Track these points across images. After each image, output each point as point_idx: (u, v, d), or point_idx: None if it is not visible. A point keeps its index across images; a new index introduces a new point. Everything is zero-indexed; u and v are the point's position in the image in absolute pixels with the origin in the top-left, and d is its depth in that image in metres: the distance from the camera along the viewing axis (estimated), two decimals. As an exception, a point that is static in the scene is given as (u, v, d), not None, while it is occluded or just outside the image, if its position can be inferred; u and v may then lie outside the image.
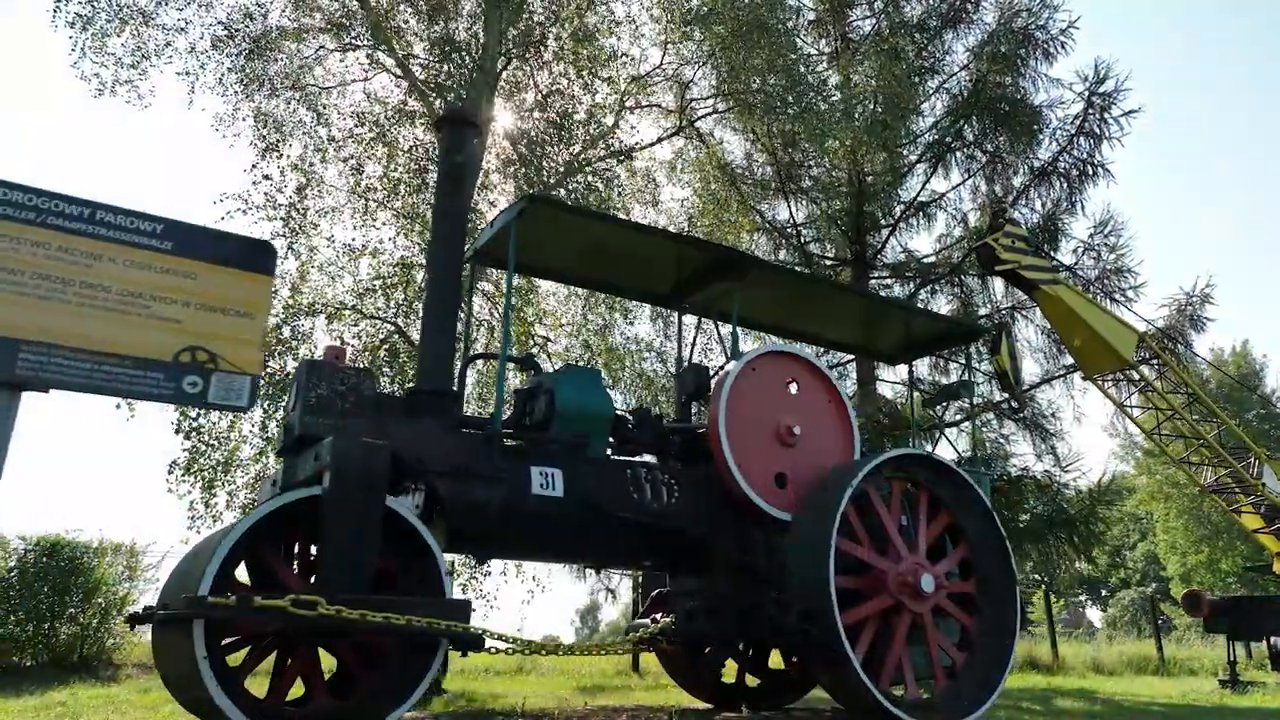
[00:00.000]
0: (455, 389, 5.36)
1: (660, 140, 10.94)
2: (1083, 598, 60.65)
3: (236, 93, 9.73)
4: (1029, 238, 10.10)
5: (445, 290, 5.13)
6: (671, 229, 11.88)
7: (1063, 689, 11.26)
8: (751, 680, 6.54)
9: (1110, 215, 12.42)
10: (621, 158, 10.69)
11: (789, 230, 12.99)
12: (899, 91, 10.61)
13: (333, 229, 9.75)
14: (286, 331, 8.18)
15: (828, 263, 13.23)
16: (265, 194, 9.16)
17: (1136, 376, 10.59)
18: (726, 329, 6.42)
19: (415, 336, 8.83)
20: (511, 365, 7.33)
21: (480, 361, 9.44)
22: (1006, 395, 10.61)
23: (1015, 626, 5.60)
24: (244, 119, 9.73)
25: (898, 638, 5.21)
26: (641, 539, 5.15)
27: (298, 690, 4.35)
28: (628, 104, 10.70)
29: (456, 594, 7.48)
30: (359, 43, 9.91)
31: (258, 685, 4.44)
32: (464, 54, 9.31)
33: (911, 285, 12.99)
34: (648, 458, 5.68)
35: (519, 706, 6.48)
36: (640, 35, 10.77)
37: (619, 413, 5.53)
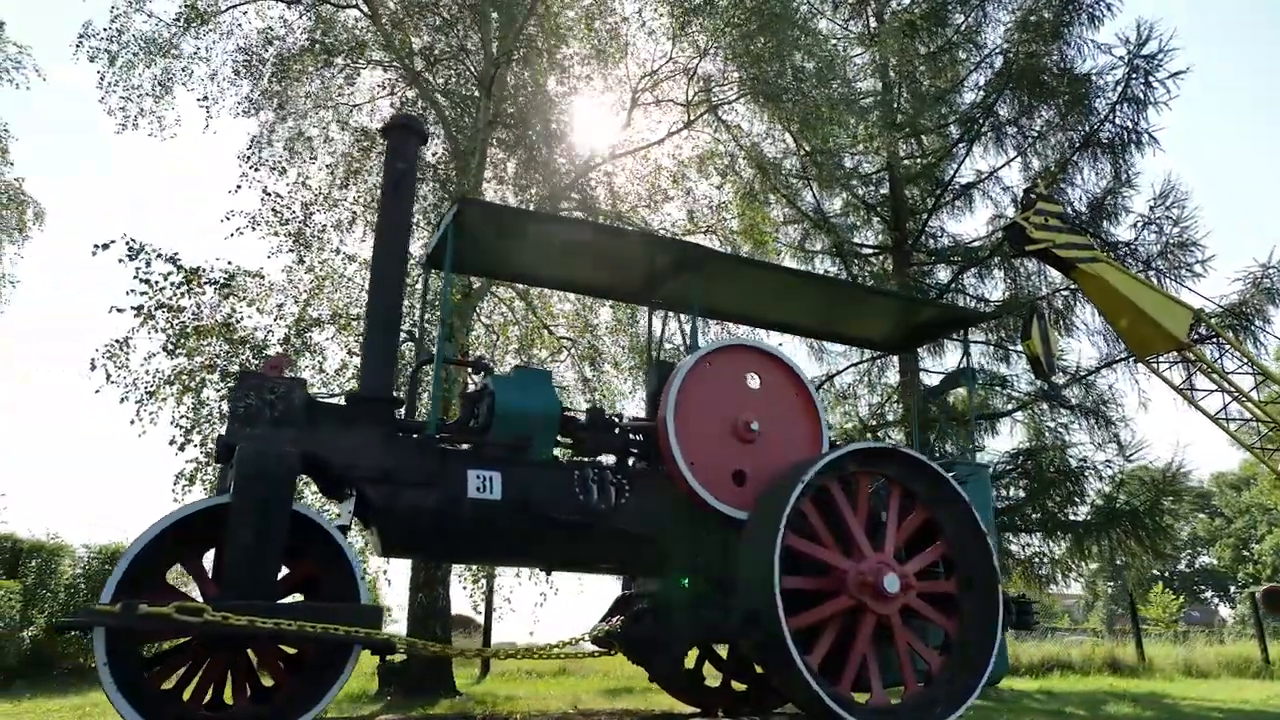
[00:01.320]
0: (408, 392, 5.42)
1: (670, 134, 10.79)
2: (1209, 594, 57.03)
3: (251, 114, 10.13)
4: (1064, 214, 9.53)
5: (387, 296, 5.16)
6: (702, 224, 11.74)
7: (1129, 692, 10.58)
8: (738, 685, 6.37)
9: (1171, 185, 11.58)
10: (632, 153, 10.62)
11: (817, 218, 12.61)
12: (921, 70, 10.14)
13: (342, 241, 10.01)
14: (298, 343, 8.46)
15: (866, 251, 12.80)
16: (274, 210, 9.49)
17: (1193, 357, 9.84)
18: (713, 325, 6.27)
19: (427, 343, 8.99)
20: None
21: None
22: (1040, 382, 10.03)
23: (998, 629, 5.27)
24: (263, 140, 10.08)
25: (859, 640, 4.97)
26: (588, 541, 5.07)
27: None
28: (640, 101, 10.61)
29: (459, 597, 7.55)
30: (361, 57, 10.14)
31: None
32: (459, 61, 9.41)
33: (953, 270, 12.42)
34: (608, 458, 5.60)
35: (485, 711, 6.49)
36: (653, 32, 10.68)
37: (571, 413, 5.47)
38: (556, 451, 5.43)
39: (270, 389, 4.56)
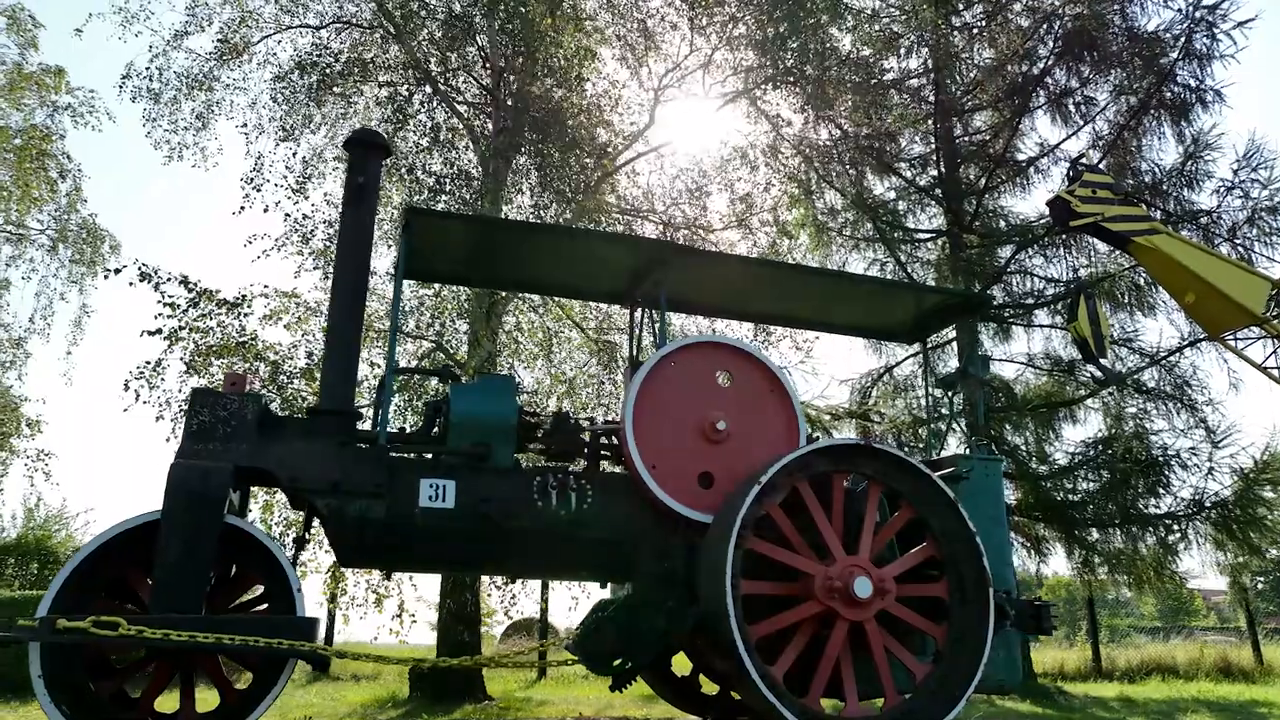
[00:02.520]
0: (375, 401, 5.48)
1: (695, 127, 10.60)
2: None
3: (285, 138, 10.51)
4: (1114, 185, 8.82)
5: (347, 309, 5.23)
6: (733, 219, 11.49)
7: (1222, 700, 9.72)
8: (737, 694, 6.14)
9: (1257, 145, 10.58)
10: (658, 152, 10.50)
11: (859, 204, 12.10)
12: (963, 44, 9.60)
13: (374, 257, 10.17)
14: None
15: (922, 236, 12.23)
16: (295, 227, 9.82)
17: (1274, 333, 8.93)
18: (701, 323, 6.10)
19: (454, 351, 9.15)
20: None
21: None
22: (1090, 366, 9.32)
23: (988, 634, 4.90)
24: (280, 161, 10.44)
25: (829, 648, 4.72)
26: (547, 548, 4.99)
27: (209, 704, 4.60)
28: (663, 98, 10.48)
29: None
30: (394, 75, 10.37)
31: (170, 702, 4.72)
32: (471, 73, 9.48)
33: (1011, 250, 11.71)
34: (579, 463, 5.51)
35: (495, 716, 6.48)
36: (675, 25, 10.48)
37: (534, 419, 5.40)
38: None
39: (224, 405, 4.69)
